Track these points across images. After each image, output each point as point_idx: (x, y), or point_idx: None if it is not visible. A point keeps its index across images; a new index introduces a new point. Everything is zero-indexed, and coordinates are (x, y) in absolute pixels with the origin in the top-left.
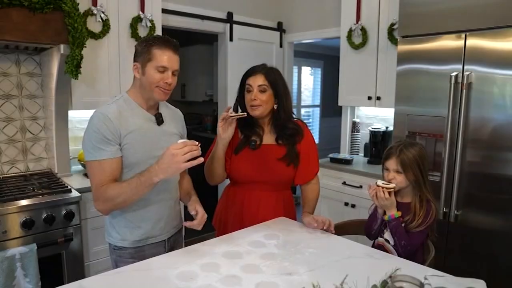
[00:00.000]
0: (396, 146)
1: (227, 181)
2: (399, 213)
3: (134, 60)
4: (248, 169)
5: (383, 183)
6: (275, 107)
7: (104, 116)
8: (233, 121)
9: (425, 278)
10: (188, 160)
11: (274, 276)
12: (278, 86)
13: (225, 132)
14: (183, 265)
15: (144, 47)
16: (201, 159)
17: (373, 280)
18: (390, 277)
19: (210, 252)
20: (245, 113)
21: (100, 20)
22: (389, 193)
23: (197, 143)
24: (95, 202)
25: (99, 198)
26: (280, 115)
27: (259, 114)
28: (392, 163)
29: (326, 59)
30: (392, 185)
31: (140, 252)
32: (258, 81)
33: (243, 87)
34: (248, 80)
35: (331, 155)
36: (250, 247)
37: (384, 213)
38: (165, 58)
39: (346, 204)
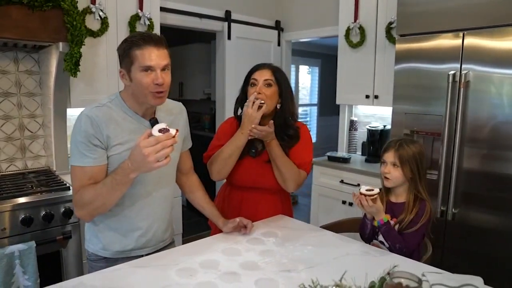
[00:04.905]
0: (395, 141)
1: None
2: (388, 217)
3: (120, 66)
4: (248, 176)
5: (366, 190)
6: (278, 107)
7: (91, 120)
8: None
9: (423, 275)
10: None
11: (273, 273)
12: (284, 84)
13: (255, 111)
14: (182, 262)
15: (124, 51)
16: (169, 159)
17: (371, 277)
18: (388, 273)
19: (209, 249)
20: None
21: (99, 18)
22: (374, 199)
23: (173, 134)
24: (75, 208)
25: (76, 204)
26: (284, 114)
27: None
28: (389, 156)
29: (324, 58)
30: (375, 191)
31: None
32: (264, 75)
33: (246, 84)
34: (253, 75)
35: (328, 154)
36: (249, 244)
37: (374, 218)
38: (148, 56)
39: (344, 202)
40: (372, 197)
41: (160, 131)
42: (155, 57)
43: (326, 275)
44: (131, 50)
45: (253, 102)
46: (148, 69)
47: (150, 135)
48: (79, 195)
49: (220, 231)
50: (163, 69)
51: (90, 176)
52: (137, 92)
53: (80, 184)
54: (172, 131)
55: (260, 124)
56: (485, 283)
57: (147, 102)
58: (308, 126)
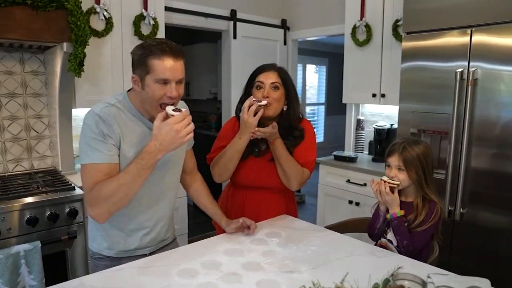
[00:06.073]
0: (399, 143)
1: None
2: (402, 212)
3: (132, 71)
4: (252, 175)
5: (387, 179)
6: (284, 109)
7: (102, 118)
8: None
9: (428, 277)
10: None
11: (275, 274)
12: (290, 86)
13: (251, 117)
14: (184, 263)
15: (140, 57)
16: (192, 133)
17: (375, 278)
18: (392, 275)
19: (212, 249)
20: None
21: (103, 18)
22: (393, 190)
23: (188, 112)
24: (90, 208)
25: (93, 202)
26: (290, 116)
27: (271, 114)
28: (394, 160)
29: (331, 56)
30: (396, 182)
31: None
32: (271, 78)
33: (250, 85)
34: (259, 77)
35: (335, 153)
36: (251, 245)
37: (387, 211)
38: (164, 68)
39: (350, 202)
40: (391, 185)
41: (173, 111)
42: (172, 69)
43: (328, 276)
44: (147, 59)
45: (249, 108)
46: (163, 81)
47: (166, 116)
48: (95, 191)
49: (224, 232)
50: (178, 83)
51: (106, 172)
52: (146, 100)
53: (94, 181)
54: (185, 111)
55: (265, 125)
56: (493, 285)
57: (152, 113)
58: (315, 126)
